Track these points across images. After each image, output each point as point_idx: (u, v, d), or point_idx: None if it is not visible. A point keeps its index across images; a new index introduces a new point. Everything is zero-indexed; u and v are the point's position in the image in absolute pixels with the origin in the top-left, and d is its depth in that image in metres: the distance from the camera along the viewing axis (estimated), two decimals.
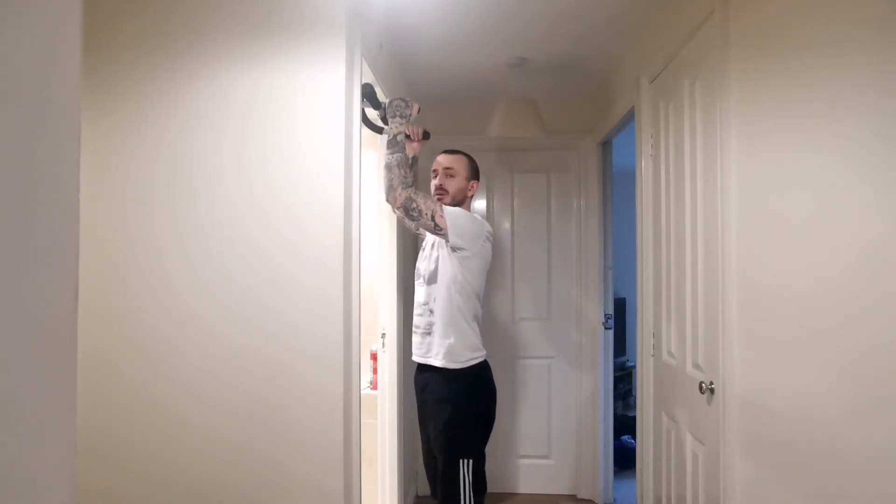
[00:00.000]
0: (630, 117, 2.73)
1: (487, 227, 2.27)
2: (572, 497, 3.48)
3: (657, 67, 2.31)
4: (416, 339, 2.25)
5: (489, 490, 3.50)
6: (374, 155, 2.80)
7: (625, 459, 3.71)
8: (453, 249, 2.14)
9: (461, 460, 2.15)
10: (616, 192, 3.52)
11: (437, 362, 2.17)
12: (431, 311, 2.19)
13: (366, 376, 2.97)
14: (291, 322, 1.74)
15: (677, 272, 2.12)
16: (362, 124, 1.99)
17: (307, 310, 1.74)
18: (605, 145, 3.42)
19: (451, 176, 2.25)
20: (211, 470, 1.75)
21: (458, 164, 2.28)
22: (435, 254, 2.23)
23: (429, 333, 2.19)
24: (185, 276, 1.77)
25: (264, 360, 1.75)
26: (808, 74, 1.36)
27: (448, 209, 2.13)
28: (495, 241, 3.53)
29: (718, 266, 1.74)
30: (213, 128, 1.78)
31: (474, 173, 2.32)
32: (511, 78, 3.02)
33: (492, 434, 3.46)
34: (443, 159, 2.30)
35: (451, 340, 2.15)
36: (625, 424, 4.00)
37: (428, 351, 2.19)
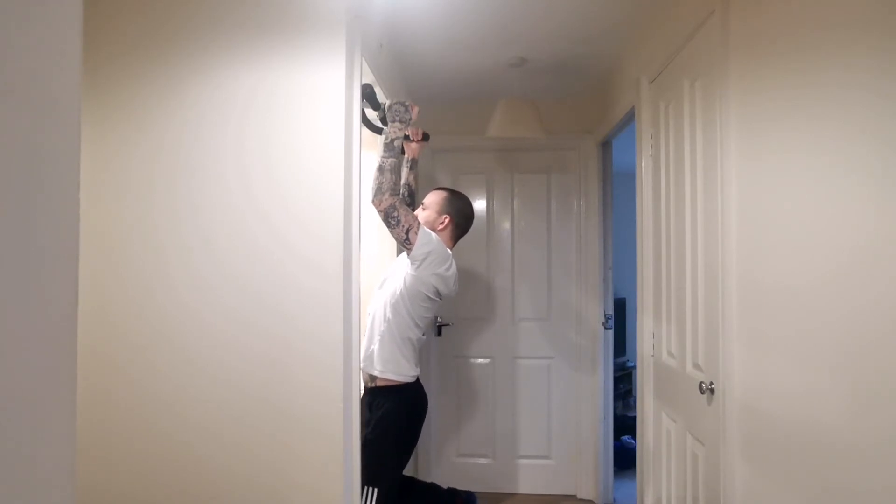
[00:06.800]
0: (630, 117, 2.73)
1: (453, 272, 2.26)
2: (572, 497, 3.48)
3: (657, 67, 2.31)
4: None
5: (489, 490, 3.52)
6: (374, 155, 2.80)
7: (625, 459, 3.71)
8: (411, 263, 2.16)
9: (365, 487, 2.00)
10: (616, 192, 3.52)
11: (360, 364, 2.21)
12: (369, 314, 2.29)
13: None
14: (291, 322, 1.75)
15: (677, 272, 2.12)
16: (362, 125, 1.99)
17: (307, 310, 1.74)
18: (605, 145, 3.42)
19: (423, 209, 2.37)
20: (209, 470, 1.75)
21: (431, 198, 2.39)
22: (397, 263, 2.33)
23: (363, 335, 2.26)
24: (185, 275, 1.77)
25: (264, 360, 1.75)
26: (809, 75, 1.36)
27: (426, 231, 2.15)
28: (495, 243, 3.55)
29: (718, 266, 1.74)
30: (214, 128, 1.78)
31: (448, 208, 2.35)
32: (511, 78, 3.02)
33: (492, 434, 3.50)
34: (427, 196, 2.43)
35: (375, 347, 2.21)
36: (625, 424, 4.00)
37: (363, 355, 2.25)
